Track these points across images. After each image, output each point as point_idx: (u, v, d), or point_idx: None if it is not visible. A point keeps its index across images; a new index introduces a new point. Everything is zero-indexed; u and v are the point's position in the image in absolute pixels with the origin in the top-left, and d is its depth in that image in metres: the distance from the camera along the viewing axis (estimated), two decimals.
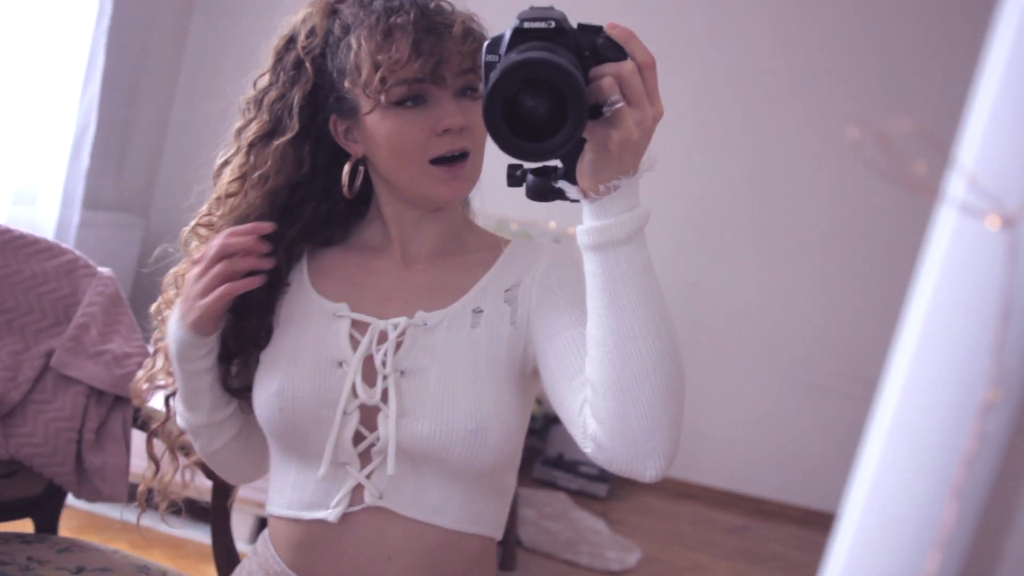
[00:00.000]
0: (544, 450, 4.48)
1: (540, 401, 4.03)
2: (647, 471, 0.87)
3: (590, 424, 0.88)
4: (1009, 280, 0.41)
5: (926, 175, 0.46)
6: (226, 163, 1.06)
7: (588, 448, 0.89)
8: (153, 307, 1.12)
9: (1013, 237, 0.41)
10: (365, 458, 0.99)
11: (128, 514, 2.39)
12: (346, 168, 1.03)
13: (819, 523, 4.60)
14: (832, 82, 4.55)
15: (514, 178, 0.85)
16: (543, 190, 0.84)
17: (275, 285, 1.05)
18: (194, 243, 1.08)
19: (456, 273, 1.05)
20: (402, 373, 0.98)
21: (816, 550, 4.20)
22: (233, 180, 1.04)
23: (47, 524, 1.68)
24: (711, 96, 4.68)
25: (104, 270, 1.71)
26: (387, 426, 0.96)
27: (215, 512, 1.52)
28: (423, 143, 0.97)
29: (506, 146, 0.76)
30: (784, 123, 4.65)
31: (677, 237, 4.74)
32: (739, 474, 4.77)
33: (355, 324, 1.01)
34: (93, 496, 1.60)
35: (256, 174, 1.02)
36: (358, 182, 1.04)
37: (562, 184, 0.83)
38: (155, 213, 4.91)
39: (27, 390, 1.56)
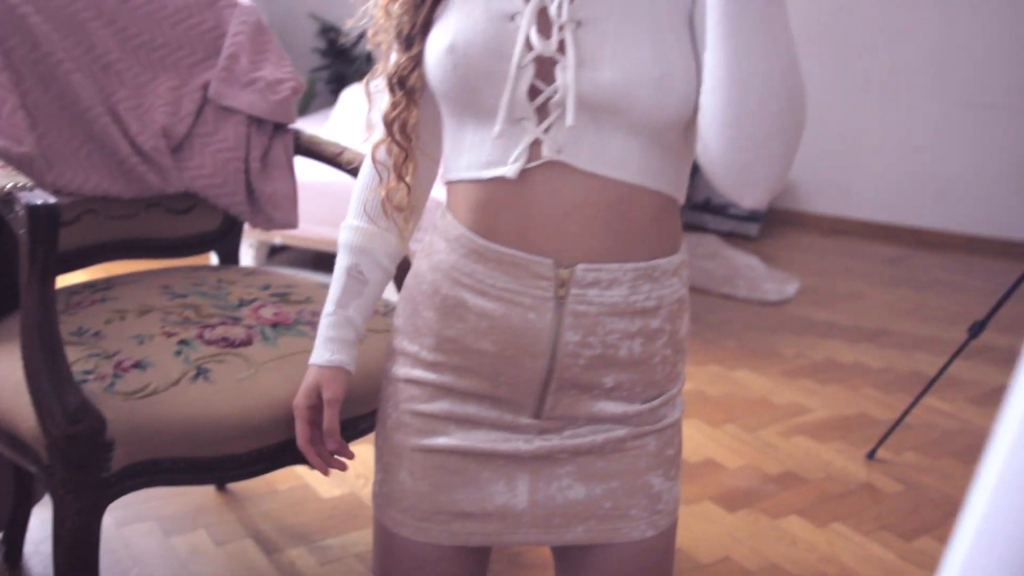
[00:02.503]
0: (691, 195, 4.40)
1: None
2: (744, 200, 0.91)
3: (699, 139, 0.91)
4: None
5: None
6: None
7: (699, 158, 0.93)
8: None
9: None
10: (542, 112, 0.95)
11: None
12: None
13: (985, 249, 4.42)
14: None
15: None
16: None
17: None
18: None
19: None
20: (579, 23, 0.93)
21: (982, 275, 4.06)
22: None
23: (229, 257, 1.75)
24: None
25: (244, 0, 1.68)
26: (565, 76, 0.91)
27: None
28: None
29: None
30: None
31: None
32: (896, 205, 4.58)
33: None
34: (267, 224, 1.64)
35: None
36: None
37: None
38: None
39: (191, 124, 1.58)
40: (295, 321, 1.41)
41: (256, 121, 1.60)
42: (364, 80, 1.12)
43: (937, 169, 4.49)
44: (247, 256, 3.14)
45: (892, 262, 4.23)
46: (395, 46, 1.06)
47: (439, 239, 1.05)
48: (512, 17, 0.95)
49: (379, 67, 1.11)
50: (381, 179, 1.12)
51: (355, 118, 3.46)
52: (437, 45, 0.98)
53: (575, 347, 0.99)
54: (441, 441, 1.05)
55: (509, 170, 0.96)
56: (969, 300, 3.69)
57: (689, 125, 0.97)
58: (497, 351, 1.01)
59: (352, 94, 3.67)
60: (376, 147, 1.10)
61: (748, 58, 0.83)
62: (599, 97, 0.92)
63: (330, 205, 2.96)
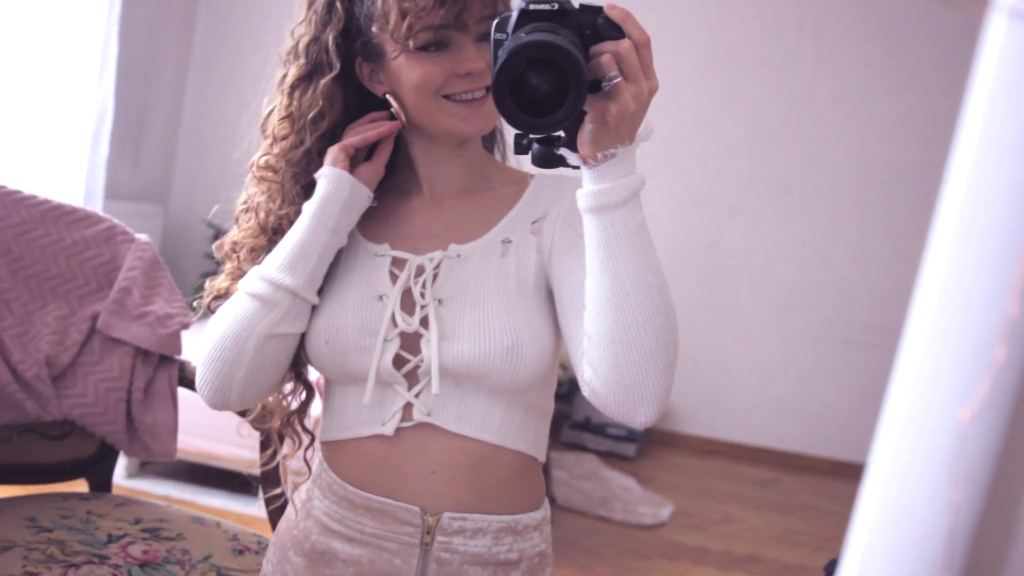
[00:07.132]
0: (571, 415, 4.52)
1: (564, 366, 4.07)
2: (637, 417, 0.94)
3: (586, 370, 0.95)
4: None
5: None
6: (272, 111, 1.12)
7: (586, 392, 0.96)
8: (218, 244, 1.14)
9: None
10: (412, 379, 1.04)
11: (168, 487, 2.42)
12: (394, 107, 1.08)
13: (847, 473, 4.63)
14: (838, 28, 4.54)
15: (520, 146, 0.92)
16: (547, 157, 0.92)
17: None
18: (256, 189, 1.11)
19: (484, 207, 1.11)
20: (440, 301, 1.04)
21: (847, 499, 4.23)
22: (282, 119, 1.09)
23: (101, 484, 1.73)
24: (717, 55, 4.68)
25: (142, 236, 1.75)
26: (430, 349, 1.01)
27: (264, 478, 1.55)
28: (443, 83, 1.03)
29: (513, 120, 0.83)
30: (790, 76, 4.64)
31: (693, 197, 4.75)
32: (766, 429, 4.79)
33: (394, 261, 1.08)
34: (144, 454, 1.64)
35: (310, 115, 1.07)
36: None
37: (564, 152, 0.90)
38: (173, 201, 4.95)
39: (76, 353, 1.60)
40: (165, 560, 1.39)
41: (143, 353, 1.64)
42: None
43: (800, 395, 4.75)
44: (120, 465, 3.05)
45: (762, 484, 4.37)
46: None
47: (315, 488, 1.12)
48: (380, 298, 1.06)
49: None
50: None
51: None
52: (313, 324, 1.07)
53: None
54: None
55: (386, 428, 1.05)
56: (833, 525, 3.83)
57: (545, 384, 1.06)
58: None
59: None
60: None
61: (629, 277, 0.89)
62: (459, 366, 1.01)
63: (204, 418, 2.94)
